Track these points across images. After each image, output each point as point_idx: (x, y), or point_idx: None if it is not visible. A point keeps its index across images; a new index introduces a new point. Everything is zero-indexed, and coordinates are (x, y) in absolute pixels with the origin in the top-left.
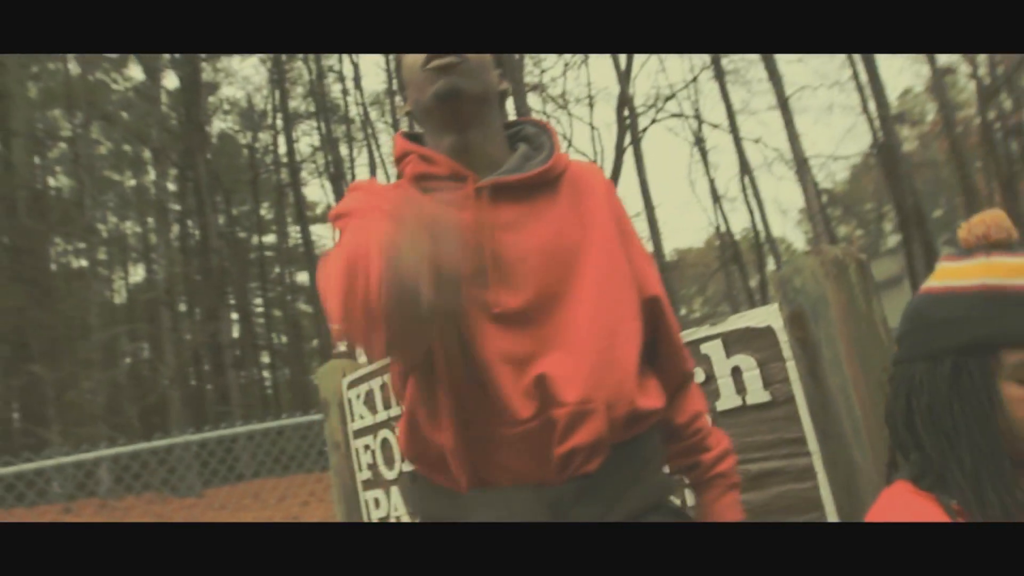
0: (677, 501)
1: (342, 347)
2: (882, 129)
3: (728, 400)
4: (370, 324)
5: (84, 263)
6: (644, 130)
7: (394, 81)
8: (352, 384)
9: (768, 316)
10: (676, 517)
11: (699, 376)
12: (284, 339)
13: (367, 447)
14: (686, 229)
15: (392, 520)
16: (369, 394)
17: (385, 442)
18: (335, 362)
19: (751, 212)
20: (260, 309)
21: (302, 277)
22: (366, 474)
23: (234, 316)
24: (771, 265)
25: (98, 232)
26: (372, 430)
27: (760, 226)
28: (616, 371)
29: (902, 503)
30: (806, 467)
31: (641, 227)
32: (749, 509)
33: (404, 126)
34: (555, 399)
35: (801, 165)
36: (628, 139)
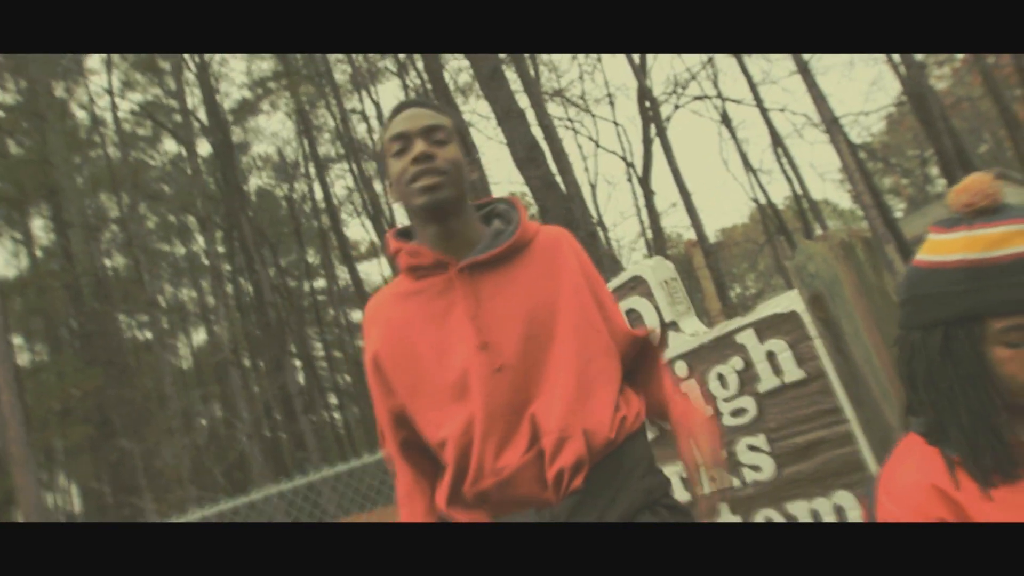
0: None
1: None
2: (908, 74)
3: (768, 382)
4: None
5: (149, 335)
6: (668, 119)
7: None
8: None
9: (791, 301)
10: (670, 514)
11: (738, 364)
12: (348, 378)
13: None
14: (727, 208)
15: None
16: None
17: None
18: None
19: (789, 181)
20: (321, 353)
21: (356, 315)
22: None
23: (297, 363)
24: (818, 230)
25: (158, 303)
26: None
27: (800, 193)
28: (590, 401)
29: (911, 456)
30: (845, 433)
31: (680, 217)
32: (800, 478)
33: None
34: (542, 431)
35: (831, 126)
36: (654, 130)
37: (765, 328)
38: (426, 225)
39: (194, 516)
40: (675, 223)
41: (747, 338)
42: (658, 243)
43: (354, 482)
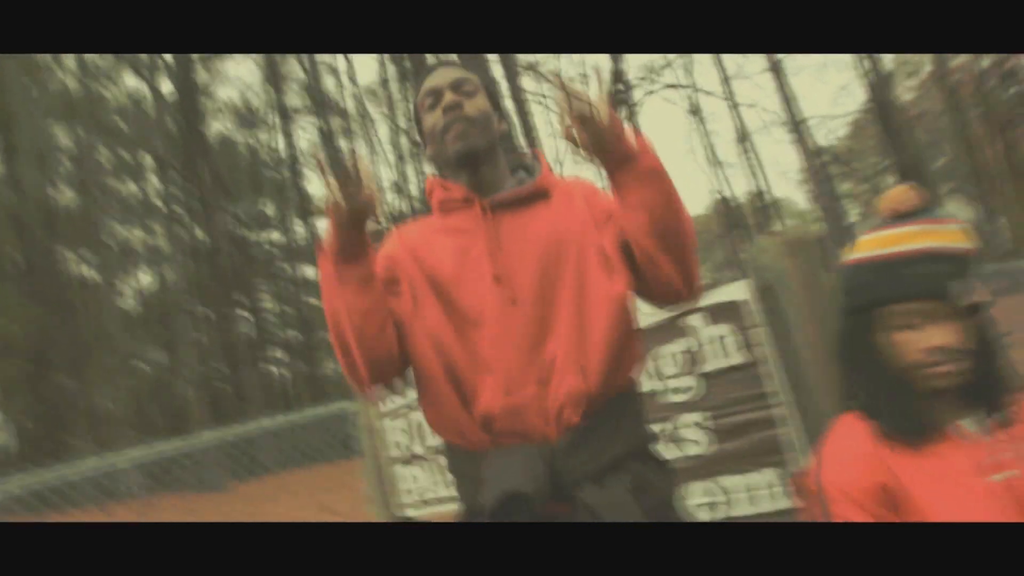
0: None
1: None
2: (876, 83)
3: (713, 363)
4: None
5: (96, 274)
6: (639, 104)
7: (387, 69)
8: None
9: (741, 291)
10: (656, 466)
11: (687, 345)
12: (298, 334)
13: (401, 429)
14: (689, 199)
15: (428, 494)
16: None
17: (418, 424)
18: None
19: (753, 176)
20: (270, 306)
21: (310, 272)
22: (397, 452)
23: (246, 314)
24: (778, 226)
25: (107, 243)
26: (402, 412)
27: (762, 189)
28: (593, 342)
29: (849, 430)
30: (779, 416)
31: None
32: (735, 455)
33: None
34: (548, 366)
35: (797, 126)
36: (624, 113)
37: (715, 313)
38: (459, 173)
39: (130, 455)
40: None
41: (697, 321)
42: None
43: (295, 437)
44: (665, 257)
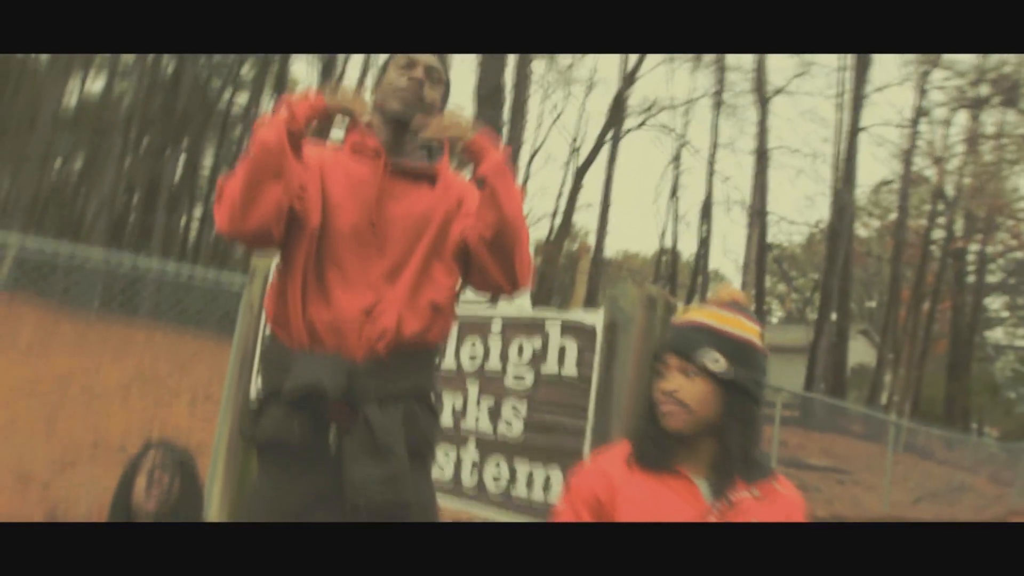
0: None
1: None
2: (840, 206)
3: (550, 367)
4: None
5: (44, 60)
6: (628, 131)
7: None
8: None
9: (595, 318)
10: (429, 412)
11: (537, 344)
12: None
13: None
14: (634, 235)
15: None
16: None
17: None
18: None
19: (699, 241)
20: (209, 161)
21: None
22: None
23: (180, 161)
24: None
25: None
26: None
27: (702, 254)
28: (416, 303)
29: (608, 450)
30: (581, 428)
31: (590, 219)
32: (535, 446)
33: None
34: (379, 300)
35: (756, 215)
36: (611, 134)
37: (568, 328)
38: (382, 128)
39: (9, 240)
40: (584, 223)
41: (552, 328)
42: (561, 231)
43: (179, 291)
44: (494, 260)
